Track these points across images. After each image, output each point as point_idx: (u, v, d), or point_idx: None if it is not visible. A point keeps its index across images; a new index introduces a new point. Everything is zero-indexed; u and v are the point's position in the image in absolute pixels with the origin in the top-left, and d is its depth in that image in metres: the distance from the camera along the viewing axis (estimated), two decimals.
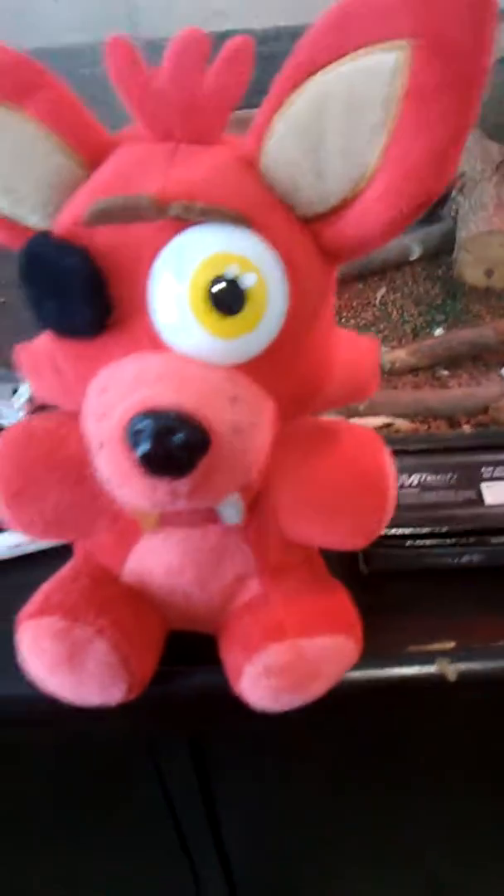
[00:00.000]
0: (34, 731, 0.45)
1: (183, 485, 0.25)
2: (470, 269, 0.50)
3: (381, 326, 0.54)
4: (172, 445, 0.24)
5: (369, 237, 0.25)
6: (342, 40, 0.22)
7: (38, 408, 0.54)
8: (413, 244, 0.57)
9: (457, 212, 0.55)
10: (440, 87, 0.21)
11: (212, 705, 0.40)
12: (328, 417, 0.37)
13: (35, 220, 0.29)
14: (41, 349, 0.32)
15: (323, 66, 0.23)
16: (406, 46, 0.21)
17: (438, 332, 0.52)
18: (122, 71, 0.26)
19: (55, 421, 0.34)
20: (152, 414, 0.24)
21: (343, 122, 0.24)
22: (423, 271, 0.58)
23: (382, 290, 0.56)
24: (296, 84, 0.24)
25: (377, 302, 0.56)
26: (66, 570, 0.36)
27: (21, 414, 0.53)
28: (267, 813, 0.56)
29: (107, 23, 0.72)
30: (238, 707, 0.39)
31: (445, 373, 0.48)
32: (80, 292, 0.26)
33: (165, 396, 0.24)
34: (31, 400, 0.54)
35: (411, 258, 0.57)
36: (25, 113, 0.27)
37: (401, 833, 0.58)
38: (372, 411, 0.44)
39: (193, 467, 0.24)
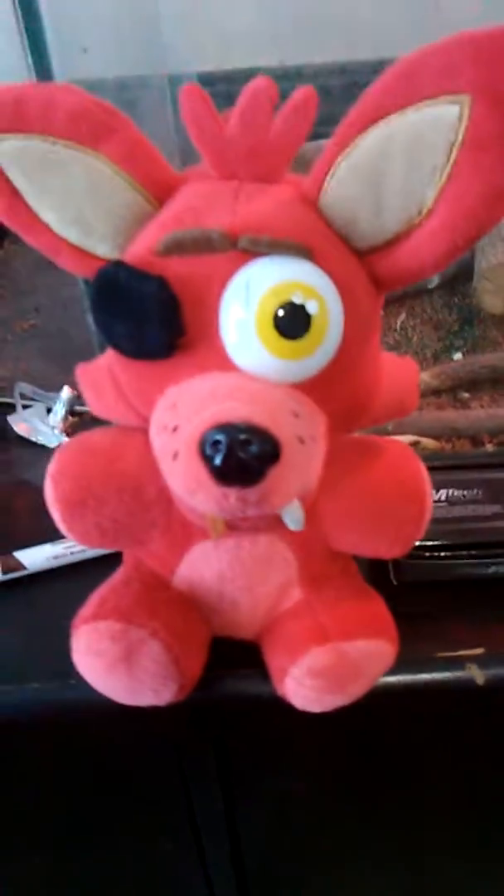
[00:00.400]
0: (67, 734, 0.46)
1: (253, 493, 0.27)
2: (489, 297, 0.53)
3: (402, 351, 0.56)
4: (246, 456, 0.26)
5: (422, 268, 0.28)
6: (409, 91, 0.25)
7: (72, 426, 0.57)
8: None
9: None
10: (497, 136, 0.24)
11: (239, 709, 0.41)
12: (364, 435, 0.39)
13: (104, 251, 0.31)
14: (102, 368, 0.35)
15: (389, 113, 0.26)
16: (467, 100, 0.24)
17: (457, 356, 0.54)
18: (196, 115, 0.29)
19: (111, 437, 0.36)
20: (227, 427, 0.26)
21: (405, 164, 0.26)
22: (440, 299, 0.61)
23: (402, 317, 0.59)
24: (361, 129, 0.27)
25: (398, 327, 0.59)
26: (118, 577, 0.38)
27: (57, 432, 0.55)
28: (286, 813, 0.58)
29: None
30: (267, 712, 0.41)
31: (466, 395, 0.51)
32: (158, 317, 0.28)
33: (238, 411, 0.27)
34: (65, 419, 0.57)
35: (430, 287, 0.60)
36: (101, 154, 0.30)
37: (420, 838, 0.59)
38: (399, 430, 0.47)
39: (263, 476, 0.27)
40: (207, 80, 0.79)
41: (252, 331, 0.28)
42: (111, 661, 0.34)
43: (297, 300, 0.28)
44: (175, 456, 0.28)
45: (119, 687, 0.35)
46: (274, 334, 0.28)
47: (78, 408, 0.57)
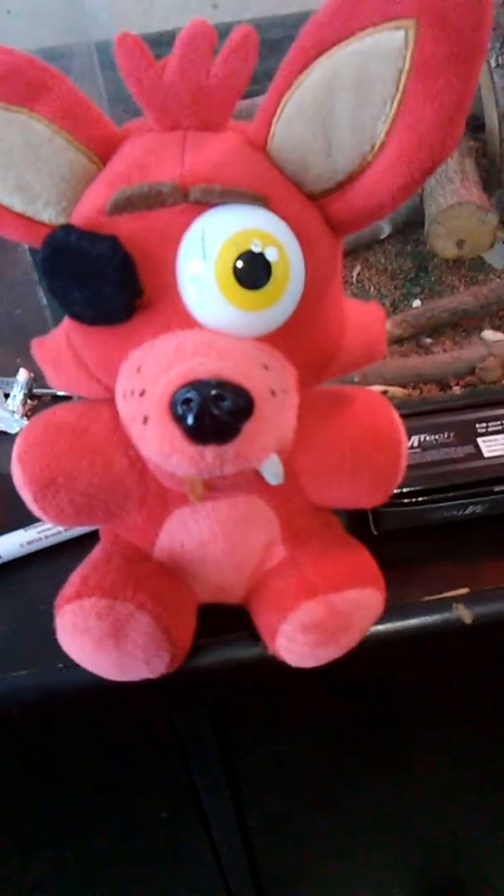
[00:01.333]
0: (62, 717, 0.46)
1: (229, 449, 0.26)
2: (441, 242, 0.53)
3: None
4: (219, 412, 0.25)
5: (381, 205, 0.27)
6: (349, 22, 0.24)
7: (32, 409, 0.55)
8: (383, 223, 0.59)
9: (422, 188, 0.58)
10: (445, 59, 0.23)
11: (231, 675, 0.41)
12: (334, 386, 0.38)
13: (49, 216, 0.30)
14: (59, 341, 0.34)
15: (330, 47, 0.25)
16: (411, 24, 0.23)
17: (416, 303, 0.54)
18: (131, 64, 0.28)
19: (76, 411, 0.35)
20: (197, 384, 0.25)
21: (352, 98, 0.26)
22: (393, 248, 0.61)
23: (357, 269, 0.58)
24: (303, 67, 0.26)
25: (353, 280, 0.58)
26: (96, 554, 0.37)
27: (17, 417, 0.54)
28: (287, 773, 0.58)
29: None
30: (259, 676, 0.41)
31: (429, 340, 0.50)
32: (113, 278, 0.27)
33: (207, 366, 0.26)
34: (24, 403, 0.55)
35: (381, 237, 0.60)
36: (36, 113, 0.29)
37: (421, 784, 0.60)
38: (365, 381, 0.46)
39: (238, 432, 0.26)
40: None
41: (212, 284, 0.27)
42: (99, 638, 0.33)
43: (256, 248, 0.27)
44: (145, 420, 0.27)
45: (109, 664, 0.35)
46: (235, 286, 0.27)
47: (37, 390, 0.55)
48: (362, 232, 0.60)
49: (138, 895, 0.71)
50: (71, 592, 0.35)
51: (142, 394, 0.28)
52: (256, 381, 0.27)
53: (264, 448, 0.27)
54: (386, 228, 0.59)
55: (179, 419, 0.26)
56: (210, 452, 0.26)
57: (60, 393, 0.55)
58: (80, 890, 0.68)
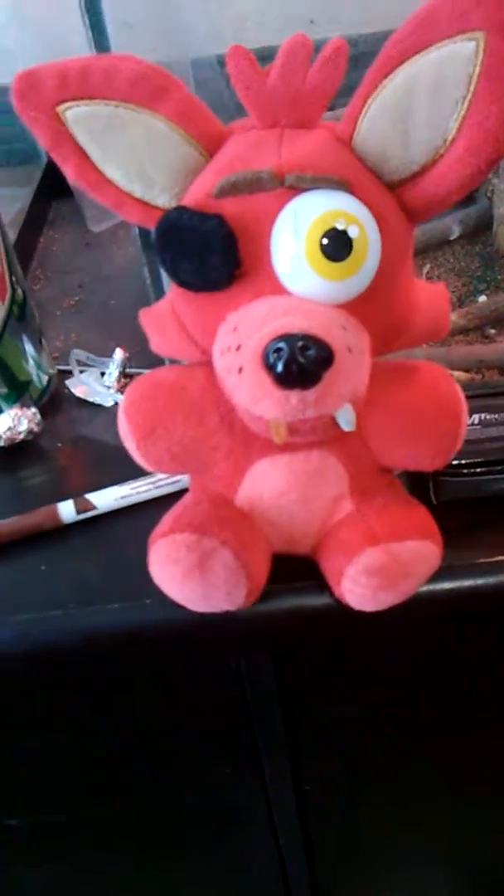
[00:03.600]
0: (143, 650, 0.50)
1: (311, 394, 0.31)
2: None
3: None
4: (305, 361, 0.30)
5: (450, 192, 0.32)
6: (427, 35, 0.29)
7: (125, 386, 0.61)
8: (453, 224, 0.63)
9: (492, 192, 0.61)
10: None
11: (297, 622, 0.45)
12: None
13: (164, 201, 0.36)
14: (164, 310, 0.39)
15: (411, 55, 0.30)
16: (480, 36, 0.28)
17: (482, 298, 0.58)
18: (240, 71, 0.33)
19: (175, 372, 0.40)
20: (286, 337, 0.30)
21: (429, 99, 0.30)
22: (463, 249, 0.65)
23: (427, 267, 0.62)
24: (387, 72, 0.31)
25: (423, 277, 0.62)
26: (187, 498, 0.42)
27: (112, 392, 0.60)
28: (342, 737, 0.62)
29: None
30: (323, 625, 0.45)
31: (493, 331, 0.54)
32: (218, 250, 0.33)
33: (295, 324, 0.31)
34: (119, 380, 0.61)
35: (451, 238, 0.64)
36: (158, 113, 0.34)
37: (476, 764, 0.63)
38: None
39: (320, 379, 0.31)
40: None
41: (301, 256, 0.32)
42: (187, 568, 0.38)
43: (340, 226, 0.32)
44: (240, 370, 0.32)
45: (195, 593, 0.39)
46: (321, 258, 0.32)
47: (129, 369, 0.61)
48: (433, 233, 0.64)
49: (187, 853, 0.75)
50: (165, 528, 0.40)
51: (238, 348, 0.33)
52: (336, 338, 0.31)
53: (341, 396, 0.32)
54: (455, 230, 0.63)
55: (270, 367, 0.31)
56: (295, 396, 0.31)
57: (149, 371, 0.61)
58: (130, 841, 0.73)
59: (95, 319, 0.70)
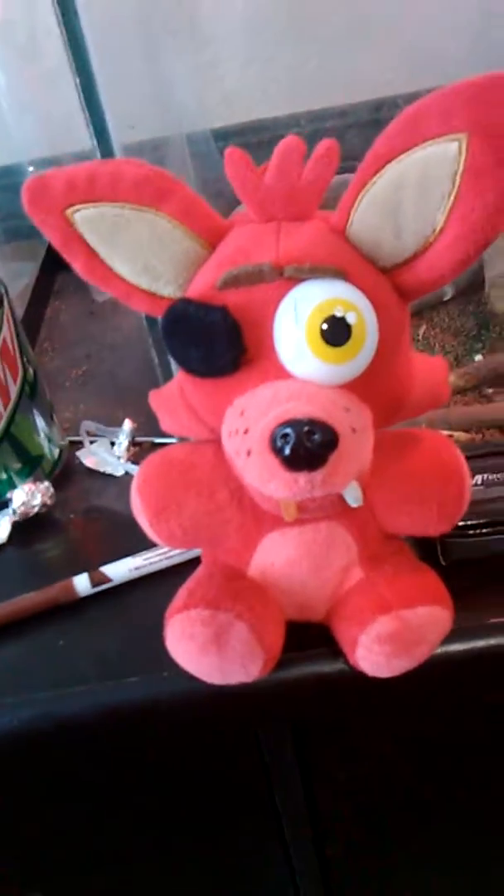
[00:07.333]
0: (162, 724, 0.50)
1: (318, 475, 0.32)
2: (501, 302, 0.58)
3: None
4: (312, 445, 0.31)
5: (442, 276, 0.34)
6: (413, 136, 0.31)
7: (135, 455, 0.63)
8: (447, 286, 0.65)
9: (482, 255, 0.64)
10: (492, 164, 0.30)
11: (313, 689, 0.46)
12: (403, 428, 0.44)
13: (170, 291, 0.37)
14: (172, 391, 0.40)
15: (398, 155, 0.32)
16: (464, 137, 0.30)
17: (478, 357, 0.60)
18: (237, 172, 0.35)
19: (186, 450, 0.41)
20: (293, 422, 0.32)
21: (416, 194, 0.32)
22: (456, 309, 0.67)
23: (423, 328, 0.64)
24: (376, 170, 0.33)
25: (420, 338, 0.64)
26: (199, 572, 0.43)
27: (122, 462, 0.61)
28: (362, 803, 0.61)
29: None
30: (339, 690, 0.45)
31: (490, 390, 0.56)
32: (224, 340, 0.34)
33: (300, 409, 0.32)
34: (128, 449, 0.62)
35: (445, 299, 0.66)
36: (162, 212, 0.36)
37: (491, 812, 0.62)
38: (431, 427, 0.52)
39: (326, 461, 0.32)
40: (221, 135, 0.86)
41: (303, 342, 0.34)
42: (203, 643, 0.39)
43: (339, 313, 0.33)
44: (248, 453, 0.34)
45: (211, 667, 0.40)
46: (321, 343, 0.34)
47: (138, 438, 0.63)
48: (427, 295, 0.66)
49: None
50: (179, 604, 0.41)
51: (245, 432, 0.34)
52: (340, 421, 0.33)
53: (347, 475, 0.33)
54: (449, 291, 0.65)
55: (278, 451, 0.32)
56: (302, 478, 0.32)
57: (158, 440, 0.63)
58: None
59: (103, 389, 0.72)
